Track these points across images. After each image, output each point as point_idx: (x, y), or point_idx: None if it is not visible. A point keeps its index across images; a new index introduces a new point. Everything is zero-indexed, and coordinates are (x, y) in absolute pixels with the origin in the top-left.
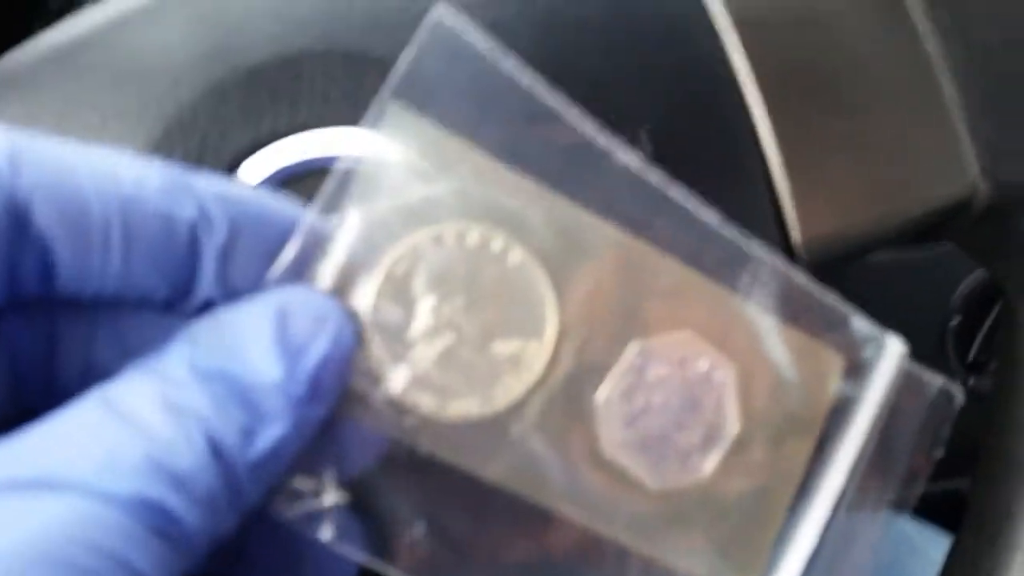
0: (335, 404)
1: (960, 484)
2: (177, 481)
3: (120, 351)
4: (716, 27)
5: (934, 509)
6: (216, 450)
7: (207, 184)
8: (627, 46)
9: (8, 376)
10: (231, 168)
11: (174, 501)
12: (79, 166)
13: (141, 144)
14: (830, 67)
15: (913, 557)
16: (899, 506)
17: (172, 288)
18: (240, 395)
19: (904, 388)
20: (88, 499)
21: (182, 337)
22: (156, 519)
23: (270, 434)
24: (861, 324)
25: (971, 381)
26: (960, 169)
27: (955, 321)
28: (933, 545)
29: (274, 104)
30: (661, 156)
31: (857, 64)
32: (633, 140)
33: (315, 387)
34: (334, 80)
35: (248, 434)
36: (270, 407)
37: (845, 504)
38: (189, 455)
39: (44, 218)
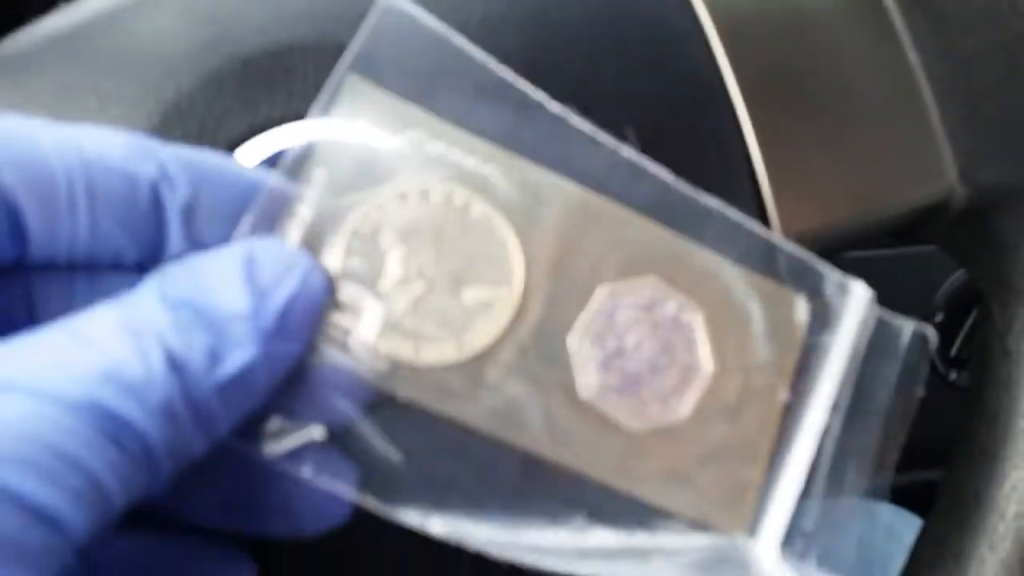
0: (311, 348)
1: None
2: (129, 389)
3: None
4: (702, 29)
5: (914, 498)
6: (176, 366)
7: (167, 148)
8: (613, 47)
9: None
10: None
11: (127, 408)
12: (42, 134)
13: (139, 128)
14: (813, 72)
15: (890, 541)
16: (887, 452)
17: (141, 248)
18: (207, 321)
19: (876, 332)
20: (38, 400)
21: (152, 275)
22: (108, 424)
23: (237, 359)
24: (825, 270)
25: (953, 375)
26: (938, 172)
27: (939, 318)
28: (909, 529)
29: (269, 94)
30: (648, 153)
31: (840, 71)
32: (620, 137)
33: (284, 322)
34: (326, 72)
35: (214, 357)
36: (237, 334)
37: (831, 445)
38: (141, 367)
39: (10, 180)
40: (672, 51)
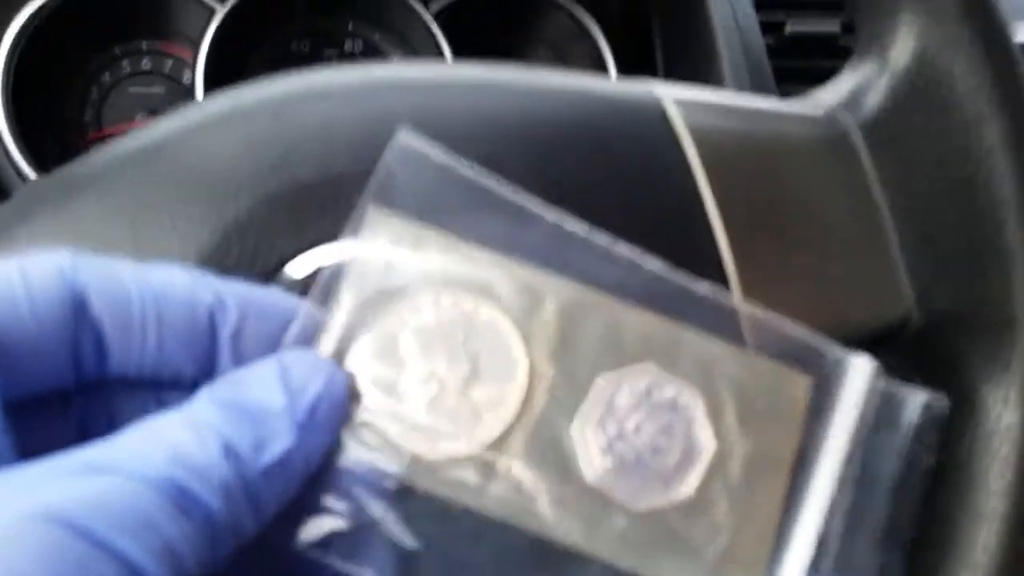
0: (339, 446)
1: None
2: (194, 470)
3: None
4: (688, 163)
5: None
6: (229, 453)
7: (220, 280)
8: (608, 179)
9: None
10: (277, 268)
11: (193, 485)
12: (122, 269)
13: (204, 244)
14: (787, 204)
15: None
16: (897, 524)
17: (198, 366)
18: (251, 417)
19: (883, 403)
20: (126, 479)
21: (205, 386)
22: (180, 498)
23: (277, 447)
24: (824, 346)
25: None
26: (897, 297)
27: None
28: None
29: (318, 217)
30: None
31: (811, 203)
32: None
33: (313, 416)
34: None
35: (259, 446)
36: (276, 427)
37: (840, 518)
38: (203, 454)
39: (97, 306)
40: (660, 182)
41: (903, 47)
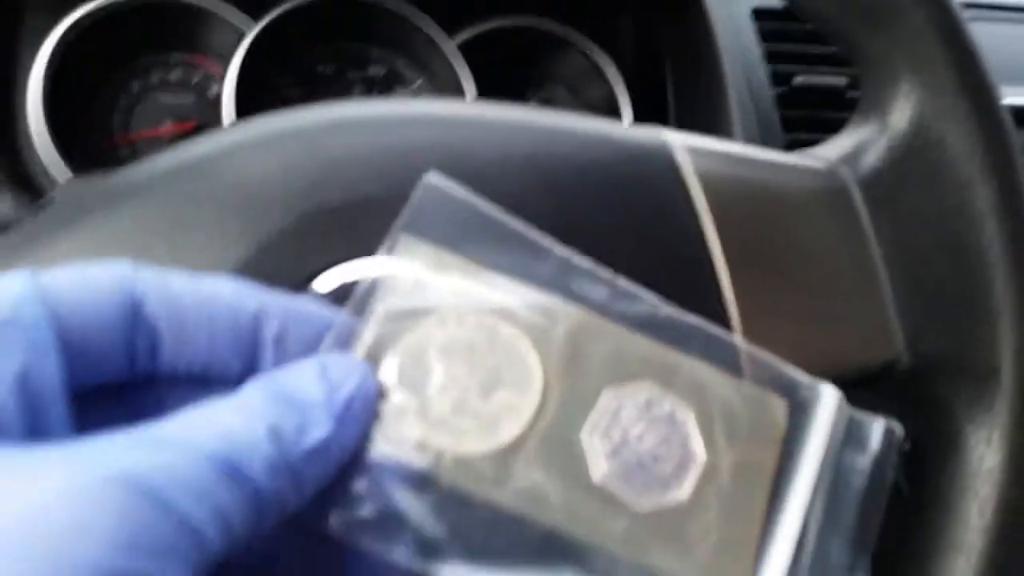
0: (371, 442)
1: None
2: (241, 446)
3: None
4: (694, 206)
5: None
6: (274, 435)
7: (263, 290)
8: (620, 219)
9: None
10: (306, 283)
11: (241, 459)
12: (174, 277)
13: (239, 258)
14: (788, 250)
15: None
16: (865, 531)
17: (243, 366)
18: (294, 406)
19: (848, 427)
20: (183, 451)
21: (252, 379)
22: (232, 472)
23: (317, 433)
24: (797, 375)
25: None
26: (887, 339)
27: None
28: None
29: (345, 238)
30: None
31: (811, 251)
32: None
33: (349, 408)
34: (392, 220)
35: (301, 431)
36: (316, 416)
37: (815, 524)
38: (250, 435)
39: (153, 309)
40: (668, 222)
41: (902, 113)
